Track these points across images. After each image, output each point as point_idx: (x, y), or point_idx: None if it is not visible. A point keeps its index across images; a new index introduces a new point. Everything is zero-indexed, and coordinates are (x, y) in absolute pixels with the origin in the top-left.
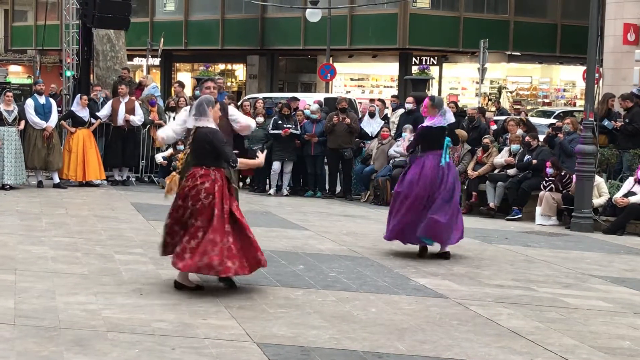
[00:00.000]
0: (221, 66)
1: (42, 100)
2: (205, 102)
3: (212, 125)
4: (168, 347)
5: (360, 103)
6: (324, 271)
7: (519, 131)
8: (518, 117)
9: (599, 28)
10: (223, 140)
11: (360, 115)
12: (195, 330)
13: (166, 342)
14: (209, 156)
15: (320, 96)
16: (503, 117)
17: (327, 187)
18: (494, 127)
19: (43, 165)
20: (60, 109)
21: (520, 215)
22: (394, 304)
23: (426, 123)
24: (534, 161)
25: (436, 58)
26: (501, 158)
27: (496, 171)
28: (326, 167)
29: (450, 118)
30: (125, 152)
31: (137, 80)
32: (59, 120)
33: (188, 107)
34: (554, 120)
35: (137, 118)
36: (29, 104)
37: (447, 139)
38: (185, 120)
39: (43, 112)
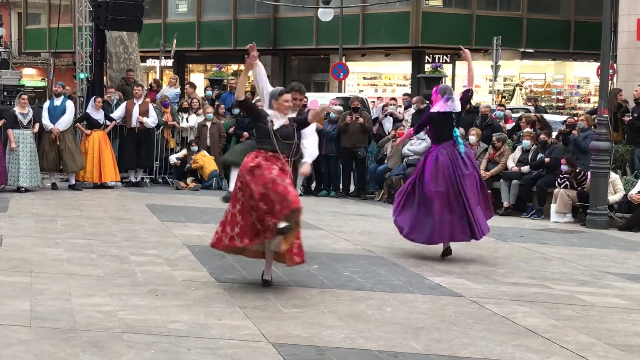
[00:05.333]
0: (234, 66)
1: (57, 102)
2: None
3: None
4: (184, 348)
5: (373, 102)
6: (339, 270)
7: (527, 128)
8: (533, 115)
9: (612, 24)
10: None
11: (372, 114)
12: (210, 331)
13: (182, 343)
14: None
15: (334, 95)
16: (519, 115)
17: (341, 186)
18: (511, 124)
19: (53, 167)
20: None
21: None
22: (408, 303)
23: (432, 109)
24: (547, 159)
25: (449, 56)
26: (512, 161)
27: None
28: (340, 167)
29: (455, 106)
30: (139, 154)
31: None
32: (74, 123)
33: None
34: (566, 117)
35: (151, 120)
36: (45, 106)
37: (456, 130)
38: None
39: (55, 114)
